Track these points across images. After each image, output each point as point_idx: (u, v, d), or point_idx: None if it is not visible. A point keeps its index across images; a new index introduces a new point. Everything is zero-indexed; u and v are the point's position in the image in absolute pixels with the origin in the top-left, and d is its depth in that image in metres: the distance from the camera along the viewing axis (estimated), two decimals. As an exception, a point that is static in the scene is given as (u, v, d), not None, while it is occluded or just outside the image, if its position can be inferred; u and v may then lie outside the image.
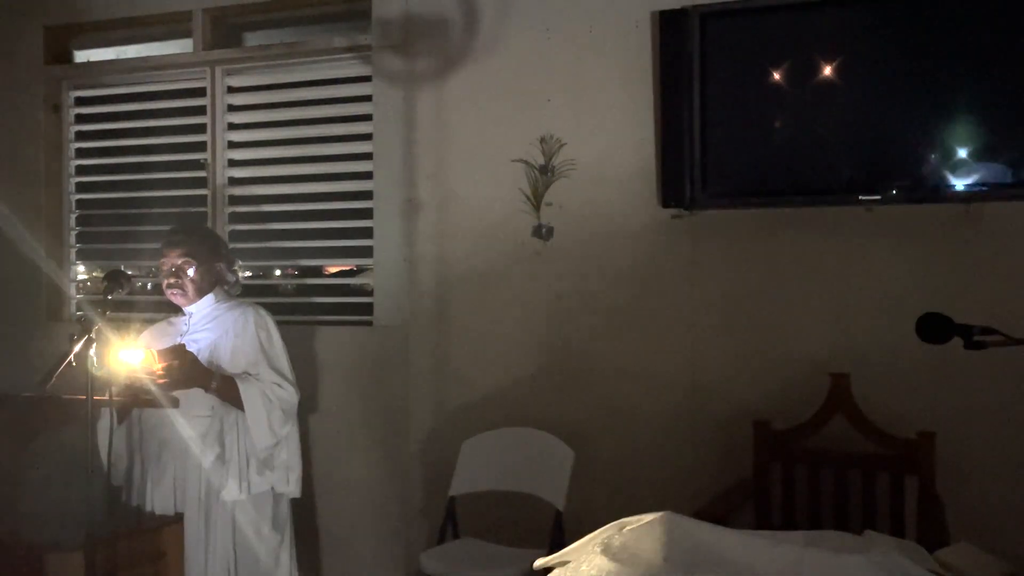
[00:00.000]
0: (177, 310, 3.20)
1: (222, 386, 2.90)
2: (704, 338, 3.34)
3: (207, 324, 3.09)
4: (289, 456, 3.06)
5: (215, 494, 2.93)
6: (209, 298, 3.12)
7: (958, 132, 2.97)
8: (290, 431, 3.05)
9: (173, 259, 3.06)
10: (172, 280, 3.05)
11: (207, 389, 2.90)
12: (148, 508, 2.94)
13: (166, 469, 2.94)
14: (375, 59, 3.79)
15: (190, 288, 3.07)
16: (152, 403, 2.88)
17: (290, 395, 3.01)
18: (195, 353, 2.96)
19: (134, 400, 2.86)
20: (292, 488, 3.08)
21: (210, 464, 2.90)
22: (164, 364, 2.83)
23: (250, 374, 2.98)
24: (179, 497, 2.93)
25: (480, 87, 3.62)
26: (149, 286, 4.31)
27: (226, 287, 3.17)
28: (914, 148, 3.03)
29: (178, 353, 2.87)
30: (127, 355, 2.89)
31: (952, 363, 2.95)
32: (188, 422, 2.90)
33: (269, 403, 2.92)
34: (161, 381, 2.81)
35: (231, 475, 2.92)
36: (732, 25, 3.18)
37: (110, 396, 2.61)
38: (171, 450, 2.94)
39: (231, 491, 2.92)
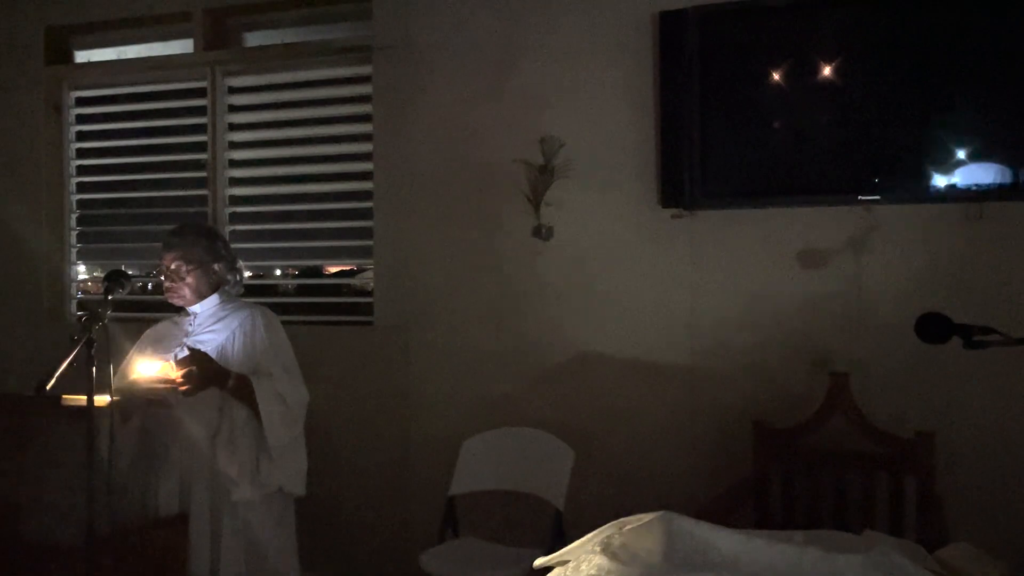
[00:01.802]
0: (179, 310, 3.20)
1: (237, 384, 2.91)
2: (704, 338, 3.35)
3: (213, 325, 3.09)
4: (296, 455, 3.06)
5: (223, 494, 2.93)
6: (213, 298, 3.12)
7: (958, 132, 2.97)
8: (299, 430, 3.06)
9: (169, 262, 3.07)
10: (168, 283, 3.07)
11: (224, 388, 2.91)
12: (152, 508, 2.94)
13: (172, 469, 2.94)
14: (375, 59, 3.79)
15: (186, 291, 3.07)
16: (156, 403, 2.89)
17: (302, 395, 3.02)
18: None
19: (137, 400, 2.87)
20: (299, 487, 3.08)
21: (221, 464, 2.90)
22: (183, 371, 2.84)
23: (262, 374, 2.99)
24: (184, 497, 2.93)
25: (480, 87, 3.62)
26: (149, 286, 4.32)
27: (227, 287, 3.16)
28: (914, 148, 3.03)
29: (195, 358, 2.88)
30: (144, 367, 2.92)
31: (952, 363, 2.95)
32: (197, 422, 2.91)
33: (283, 402, 2.92)
34: (183, 388, 2.83)
35: (242, 475, 2.92)
36: (732, 25, 3.18)
37: (111, 396, 2.61)
38: (178, 450, 2.94)
39: (242, 491, 2.91)
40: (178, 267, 3.06)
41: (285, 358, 3.05)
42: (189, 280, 3.06)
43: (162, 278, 3.10)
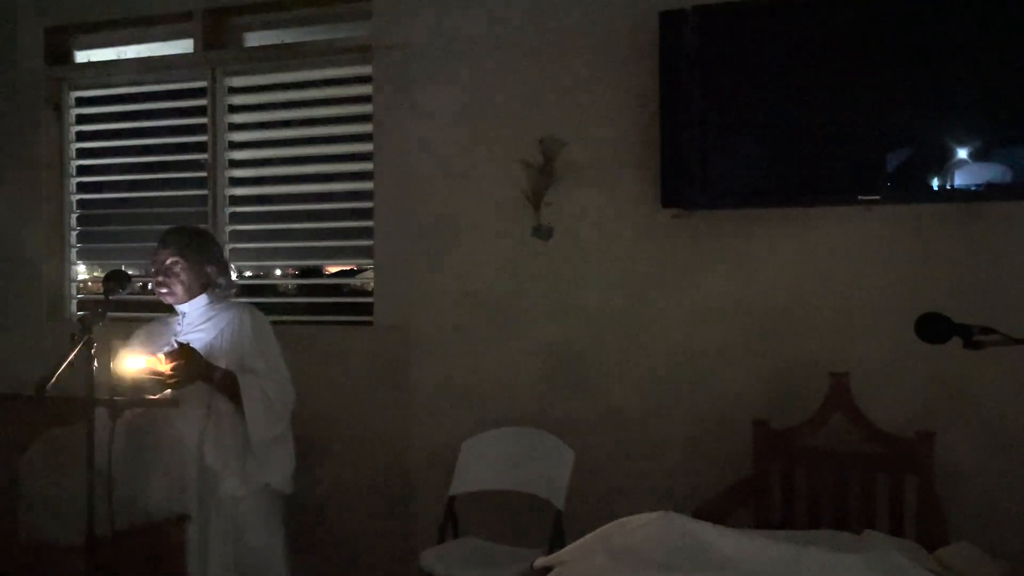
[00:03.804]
0: (170, 310, 3.22)
1: (223, 380, 2.95)
2: (704, 338, 3.35)
3: (201, 324, 3.12)
4: (284, 452, 3.09)
5: (214, 491, 2.94)
6: (202, 298, 3.16)
7: (958, 132, 2.97)
8: (284, 428, 3.08)
9: (165, 257, 3.10)
10: (161, 279, 3.10)
11: (209, 382, 2.94)
12: (149, 508, 2.95)
13: (166, 468, 2.95)
14: (375, 59, 3.79)
15: (179, 288, 3.11)
16: (152, 403, 2.90)
17: (287, 393, 3.05)
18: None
19: (135, 400, 2.89)
20: (286, 485, 3.11)
21: (210, 461, 2.92)
22: (172, 364, 2.89)
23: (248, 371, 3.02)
24: (178, 496, 2.94)
25: (480, 87, 3.62)
26: (149, 286, 4.31)
27: (217, 290, 3.19)
28: (914, 148, 3.02)
29: (183, 352, 2.92)
30: (133, 360, 2.94)
31: (952, 363, 2.95)
32: (187, 420, 2.92)
33: (267, 398, 2.96)
34: (171, 381, 2.88)
35: (231, 471, 2.94)
36: (732, 25, 3.18)
37: (110, 396, 2.62)
38: (169, 449, 2.95)
39: (231, 487, 2.93)
40: (173, 263, 3.09)
41: (271, 357, 3.09)
42: (183, 277, 3.10)
43: (154, 273, 3.12)
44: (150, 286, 3.11)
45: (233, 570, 2.96)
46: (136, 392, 2.89)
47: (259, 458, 2.99)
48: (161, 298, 3.14)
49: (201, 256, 3.14)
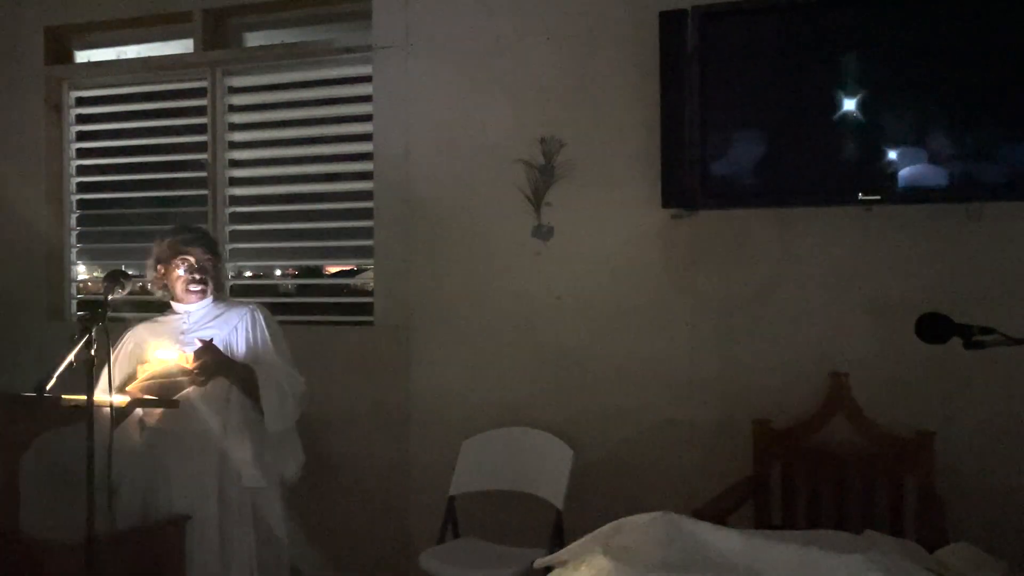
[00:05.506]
0: (164, 308, 3.22)
1: (242, 373, 3.01)
2: (704, 338, 3.35)
3: (209, 322, 3.14)
4: (295, 443, 3.14)
5: (231, 484, 2.97)
6: (208, 298, 3.18)
7: (958, 132, 2.97)
8: (297, 417, 3.13)
9: (199, 255, 3.12)
10: (199, 276, 3.11)
11: (229, 376, 2.99)
12: (154, 507, 2.96)
13: (181, 465, 2.96)
14: (375, 59, 3.79)
15: (211, 285, 3.15)
16: (152, 404, 2.92)
17: (301, 383, 3.10)
18: None
19: (135, 402, 2.90)
20: (297, 475, 3.14)
21: (233, 451, 2.96)
22: (198, 361, 2.94)
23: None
24: (202, 489, 2.95)
25: (480, 87, 3.62)
26: (150, 286, 4.31)
27: (219, 289, 3.26)
28: (914, 147, 3.03)
29: (207, 348, 2.98)
30: (162, 354, 3.02)
31: (952, 363, 2.95)
32: (208, 413, 2.96)
33: (283, 391, 3.01)
34: (199, 377, 2.94)
35: (253, 462, 2.97)
36: (732, 25, 3.18)
37: (111, 395, 2.62)
38: (183, 446, 2.97)
39: (254, 476, 2.97)
40: (207, 261, 3.13)
41: (284, 351, 3.16)
42: (214, 275, 3.14)
43: (182, 271, 3.10)
44: (184, 285, 3.10)
45: (255, 560, 2.99)
46: (163, 391, 2.94)
47: (274, 449, 3.04)
48: (187, 297, 3.13)
49: (219, 255, 3.21)
